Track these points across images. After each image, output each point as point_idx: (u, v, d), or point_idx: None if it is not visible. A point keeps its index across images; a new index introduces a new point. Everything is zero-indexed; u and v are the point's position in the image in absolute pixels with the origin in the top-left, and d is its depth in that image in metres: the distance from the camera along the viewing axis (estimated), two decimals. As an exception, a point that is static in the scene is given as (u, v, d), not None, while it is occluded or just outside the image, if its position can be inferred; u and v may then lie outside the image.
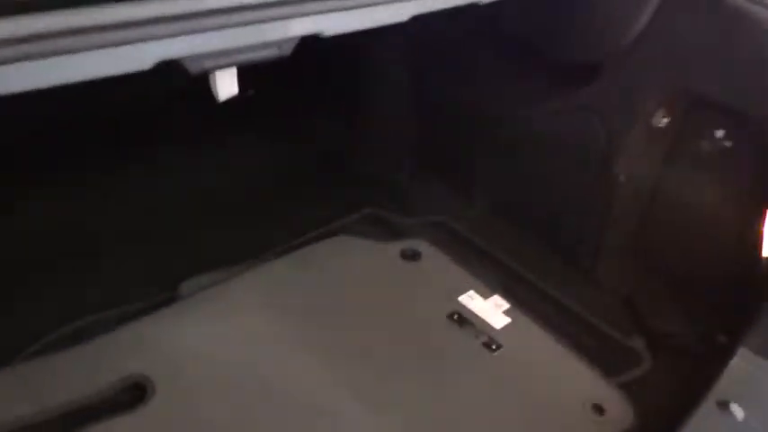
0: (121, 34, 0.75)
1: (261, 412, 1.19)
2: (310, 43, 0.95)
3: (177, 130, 1.47)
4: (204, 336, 1.32)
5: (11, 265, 1.33)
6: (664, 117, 1.33)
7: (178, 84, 0.99)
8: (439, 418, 1.21)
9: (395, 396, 1.23)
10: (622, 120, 1.34)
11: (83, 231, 1.44)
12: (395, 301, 1.44)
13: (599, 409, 1.24)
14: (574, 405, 1.25)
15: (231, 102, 0.98)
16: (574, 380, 1.30)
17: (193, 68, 0.83)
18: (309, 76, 1.65)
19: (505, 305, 1.45)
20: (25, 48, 0.69)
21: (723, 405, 0.99)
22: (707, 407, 0.99)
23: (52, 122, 1.34)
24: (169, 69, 0.81)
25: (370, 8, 0.92)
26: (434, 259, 1.57)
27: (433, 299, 1.45)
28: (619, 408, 1.25)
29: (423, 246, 1.59)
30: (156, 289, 1.42)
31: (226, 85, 0.92)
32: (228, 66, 0.89)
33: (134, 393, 1.21)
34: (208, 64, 0.85)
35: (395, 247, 1.58)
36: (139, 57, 0.78)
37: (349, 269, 1.51)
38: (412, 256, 1.56)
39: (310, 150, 1.75)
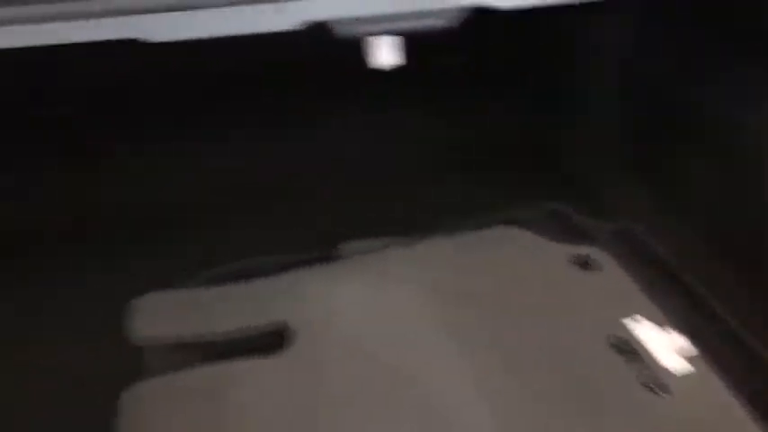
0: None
1: (382, 387, 1.15)
2: (498, 17, 0.84)
3: (340, 92, 1.47)
4: (352, 299, 1.32)
5: (195, 207, 1.44)
6: None
7: (328, 48, 0.95)
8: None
9: (524, 414, 1.11)
10: None
11: (256, 183, 1.52)
12: (553, 309, 1.30)
13: (776, 500, 1.00)
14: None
15: (393, 71, 0.93)
16: (751, 456, 1.06)
17: (342, 32, 0.79)
18: (492, 52, 1.53)
19: (684, 343, 1.23)
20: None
21: None
22: None
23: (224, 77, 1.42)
24: (316, 32, 0.77)
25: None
26: (611, 272, 1.38)
27: (597, 317, 1.28)
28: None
29: (601, 255, 1.41)
30: (317, 245, 1.45)
31: (383, 53, 0.86)
32: (381, 33, 0.82)
33: (273, 339, 1.25)
34: (358, 29, 0.79)
35: (568, 250, 1.43)
36: (287, 16, 0.75)
37: (512, 264, 1.40)
38: (585, 263, 1.39)
39: (494, 132, 1.64)
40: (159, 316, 1.30)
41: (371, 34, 0.81)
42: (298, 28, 0.75)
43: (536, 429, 1.09)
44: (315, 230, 1.48)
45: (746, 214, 1.30)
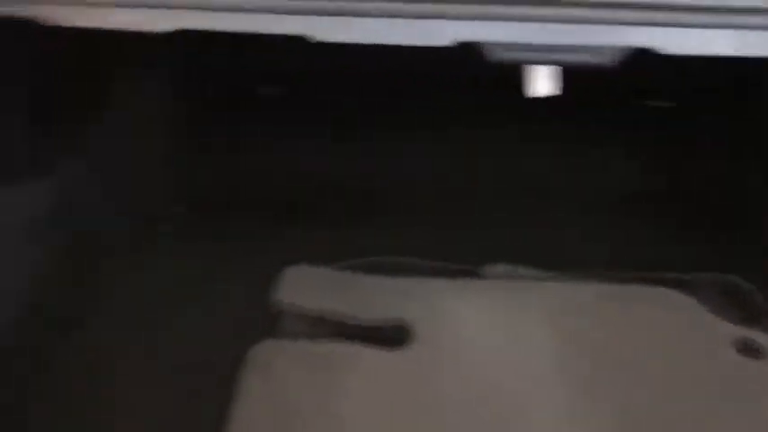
0: (426, 7, 0.76)
1: (483, 410, 1.15)
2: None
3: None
4: (479, 318, 1.32)
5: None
6: None
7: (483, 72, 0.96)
8: None
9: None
10: None
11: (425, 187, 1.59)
12: (695, 390, 1.17)
13: None
14: None
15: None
16: None
17: (492, 56, 0.79)
18: (704, 98, 1.39)
19: None
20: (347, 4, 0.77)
21: None
22: None
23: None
24: (467, 52, 0.79)
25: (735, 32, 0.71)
26: (779, 367, 1.20)
27: (748, 414, 1.13)
28: None
29: (772, 344, 1.23)
30: (465, 258, 1.46)
31: (538, 82, 0.85)
32: (533, 62, 0.81)
33: (396, 334, 1.29)
34: (508, 55, 0.79)
35: (736, 331, 1.27)
36: (441, 33, 0.78)
37: (662, 328, 1.28)
38: (749, 349, 1.23)
39: (686, 183, 1.51)
40: (303, 287, 1.41)
41: (522, 62, 0.81)
42: (449, 45, 0.78)
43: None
44: (467, 243, 1.49)
45: None
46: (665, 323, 1.29)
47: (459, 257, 1.46)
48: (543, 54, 0.78)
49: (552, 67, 0.84)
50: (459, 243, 1.51)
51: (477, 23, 0.77)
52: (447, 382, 1.20)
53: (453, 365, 1.23)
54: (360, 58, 0.95)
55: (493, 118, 1.57)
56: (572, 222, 1.51)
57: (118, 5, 0.78)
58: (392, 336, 1.31)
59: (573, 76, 0.86)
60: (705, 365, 1.22)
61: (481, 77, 1.16)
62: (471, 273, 1.44)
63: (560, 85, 0.85)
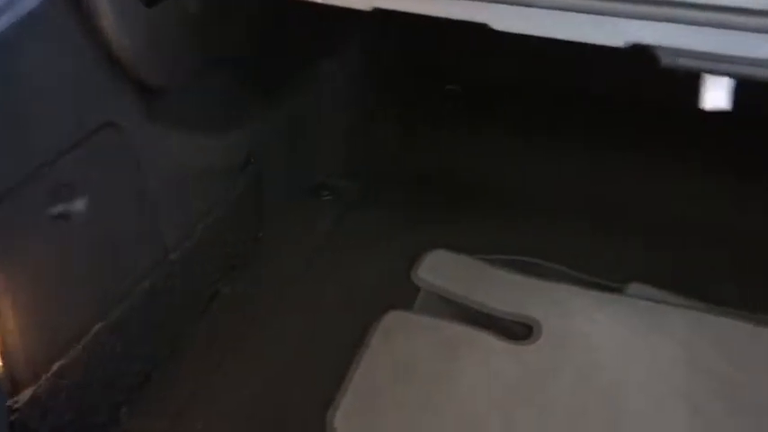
0: (603, 5, 0.77)
1: (593, 421, 1.16)
2: None
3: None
4: (614, 333, 1.31)
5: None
6: None
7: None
8: None
9: None
10: None
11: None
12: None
13: None
14: None
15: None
16: None
17: (666, 61, 0.78)
18: None
19: None
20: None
21: None
22: None
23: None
24: (640, 57, 0.79)
25: None
26: None
27: None
28: None
29: None
30: (611, 274, 1.44)
31: (712, 94, 0.82)
32: (707, 71, 0.79)
33: (519, 330, 1.34)
34: (682, 62, 0.78)
35: None
36: (614, 32, 0.79)
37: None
38: None
39: None
40: (442, 270, 1.48)
41: (696, 71, 0.79)
42: (621, 46, 0.79)
43: None
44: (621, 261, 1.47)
45: None
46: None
47: (602, 272, 1.45)
48: (718, 64, 0.76)
49: (728, 80, 0.81)
50: (604, 258, 1.49)
51: (653, 25, 0.77)
52: (561, 384, 1.22)
53: (572, 370, 1.24)
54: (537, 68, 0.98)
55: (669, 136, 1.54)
56: (717, 255, 1.45)
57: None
58: (515, 330, 1.34)
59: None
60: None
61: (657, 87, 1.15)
62: (612, 288, 1.42)
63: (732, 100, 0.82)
